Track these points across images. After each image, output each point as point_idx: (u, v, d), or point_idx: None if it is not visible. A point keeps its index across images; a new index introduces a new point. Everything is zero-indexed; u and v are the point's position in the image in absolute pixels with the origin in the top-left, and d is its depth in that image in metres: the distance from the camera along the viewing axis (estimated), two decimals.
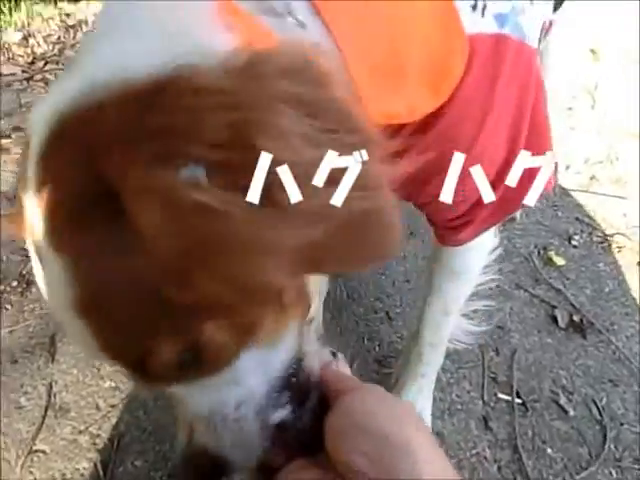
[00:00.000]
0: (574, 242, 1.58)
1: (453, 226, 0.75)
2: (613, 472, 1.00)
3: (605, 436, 1.06)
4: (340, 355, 0.46)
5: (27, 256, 1.28)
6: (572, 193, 1.82)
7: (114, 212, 0.31)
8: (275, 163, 0.31)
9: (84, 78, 0.35)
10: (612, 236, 1.60)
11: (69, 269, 0.34)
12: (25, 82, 2.59)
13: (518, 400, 1.12)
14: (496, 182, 0.66)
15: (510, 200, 0.69)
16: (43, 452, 1.05)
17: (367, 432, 0.35)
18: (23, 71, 2.72)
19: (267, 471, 0.41)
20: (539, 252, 1.55)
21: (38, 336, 1.28)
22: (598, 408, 1.11)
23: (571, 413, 1.10)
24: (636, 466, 1.01)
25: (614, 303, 1.38)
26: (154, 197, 0.30)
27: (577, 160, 1.99)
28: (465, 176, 0.64)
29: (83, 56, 0.41)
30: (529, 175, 0.70)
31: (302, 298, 0.45)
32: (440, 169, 0.64)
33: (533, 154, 0.69)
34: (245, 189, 0.31)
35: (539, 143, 0.69)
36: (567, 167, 1.96)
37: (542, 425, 1.08)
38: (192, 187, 0.30)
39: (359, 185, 0.35)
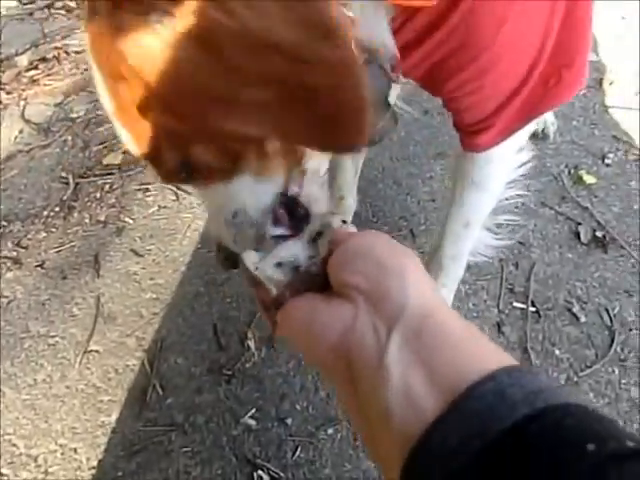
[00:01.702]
0: (607, 161, 1.66)
1: (475, 130, 0.82)
2: (616, 370, 1.15)
3: (613, 340, 1.20)
4: (351, 225, 0.52)
5: (66, 183, 1.49)
6: (612, 110, 1.86)
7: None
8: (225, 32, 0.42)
9: None
10: None
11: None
12: (46, 10, 2.73)
13: (532, 308, 1.27)
14: (521, 84, 0.75)
15: (534, 104, 0.78)
16: (97, 352, 1.28)
17: (365, 257, 0.41)
18: None
19: (278, 304, 0.47)
20: (569, 171, 1.64)
21: (83, 255, 1.49)
22: (610, 316, 1.25)
23: (582, 319, 1.24)
24: (639, 365, 1.16)
25: None
26: (131, 34, 0.44)
27: (623, 75, 2.01)
28: (485, 73, 0.73)
29: None
30: (556, 79, 0.79)
31: (291, 151, 0.58)
32: (458, 66, 0.74)
33: (565, 57, 0.76)
34: (210, 54, 0.43)
35: (574, 45, 0.74)
36: (611, 83, 1.99)
37: (553, 330, 1.23)
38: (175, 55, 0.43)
39: (318, 59, 0.43)
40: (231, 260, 0.61)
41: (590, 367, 1.16)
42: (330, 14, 0.43)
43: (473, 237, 1.07)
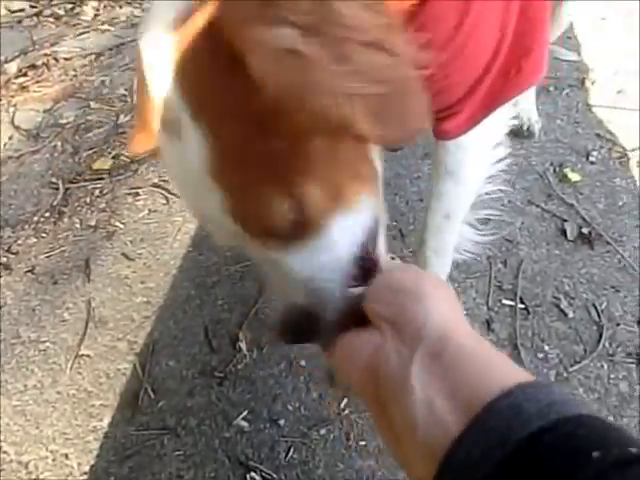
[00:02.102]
0: (592, 158, 1.66)
1: (442, 117, 0.83)
2: (605, 365, 1.14)
3: (601, 335, 1.19)
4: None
5: (56, 189, 1.46)
6: (595, 109, 1.86)
7: (235, 67, 0.45)
8: (348, 25, 0.46)
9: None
10: (632, 151, 1.67)
11: (206, 134, 0.49)
12: (35, 18, 2.70)
13: (521, 305, 1.26)
14: (484, 73, 0.78)
15: (497, 93, 0.81)
16: (88, 356, 1.25)
17: (391, 289, 0.46)
18: (32, 6, 2.82)
19: (326, 347, 0.53)
20: (555, 169, 1.63)
21: (74, 259, 1.47)
22: (597, 311, 1.24)
23: (570, 315, 1.23)
24: (628, 360, 1.15)
25: (626, 216, 1.47)
26: (264, 48, 0.44)
27: (605, 74, 2.01)
28: (450, 62, 0.75)
29: None
30: (516, 69, 0.81)
31: (373, 176, 0.60)
32: None
33: (523, 47, 0.80)
34: (325, 44, 0.45)
35: (531, 36, 0.78)
36: (593, 82, 1.99)
37: (542, 326, 1.22)
38: (290, 40, 0.44)
39: (392, 55, 0.49)
40: (297, 334, 0.59)
41: (579, 362, 1.15)
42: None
43: (455, 230, 1.07)
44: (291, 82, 0.45)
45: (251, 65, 0.44)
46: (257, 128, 0.48)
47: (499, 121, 0.91)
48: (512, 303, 1.26)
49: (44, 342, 1.28)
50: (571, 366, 1.15)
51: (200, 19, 0.47)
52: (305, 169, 0.50)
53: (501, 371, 0.38)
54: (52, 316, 1.34)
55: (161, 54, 0.51)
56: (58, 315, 1.34)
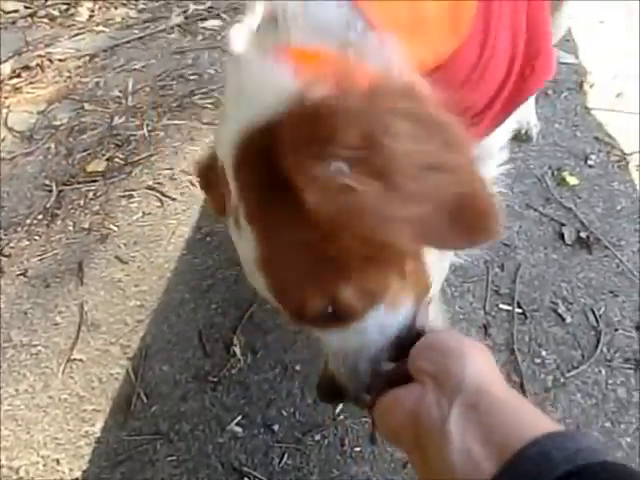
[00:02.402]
0: (590, 162, 1.66)
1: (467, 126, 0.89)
2: (603, 370, 1.14)
3: (599, 340, 1.19)
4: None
5: (50, 191, 1.46)
6: (594, 112, 1.87)
7: (289, 196, 0.49)
8: (395, 155, 0.48)
9: (248, 114, 0.56)
10: (631, 154, 1.67)
11: (256, 236, 0.56)
12: (29, 19, 2.70)
13: (518, 310, 1.26)
14: (502, 84, 0.83)
15: (514, 96, 0.85)
16: (80, 360, 1.25)
17: (435, 348, 0.51)
18: (26, 7, 2.82)
19: (368, 404, 0.58)
20: (553, 173, 1.63)
21: (66, 263, 1.46)
22: (595, 316, 1.24)
23: (568, 320, 1.23)
24: (625, 365, 1.15)
25: (625, 220, 1.47)
26: (317, 183, 0.47)
27: (604, 77, 2.02)
28: (474, 86, 0.81)
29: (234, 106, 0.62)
30: (530, 70, 0.85)
31: (420, 273, 0.64)
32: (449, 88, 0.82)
33: (533, 49, 0.83)
34: (375, 175, 0.48)
35: (537, 36, 0.83)
36: (591, 85, 2.00)
37: (539, 331, 1.22)
38: (341, 175, 0.47)
39: (454, 172, 0.51)
40: (334, 395, 0.68)
41: (577, 368, 1.15)
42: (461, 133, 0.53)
43: None
44: (341, 213, 0.48)
45: (306, 199, 0.48)
46: (303, 242, 0.54)
47: (507, 124, 0.94)
48: (509, 308, 1.27)
49: (36, 346, 1.28)
50: (568, 371, 1.15)
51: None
52: (342, 269, 0.55)
53: (532, 420, 0.42)
54: (44, 320, 1.33)
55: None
56: (50, 319, 1.34)
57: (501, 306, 1.28)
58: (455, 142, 0.52)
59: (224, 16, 2.64)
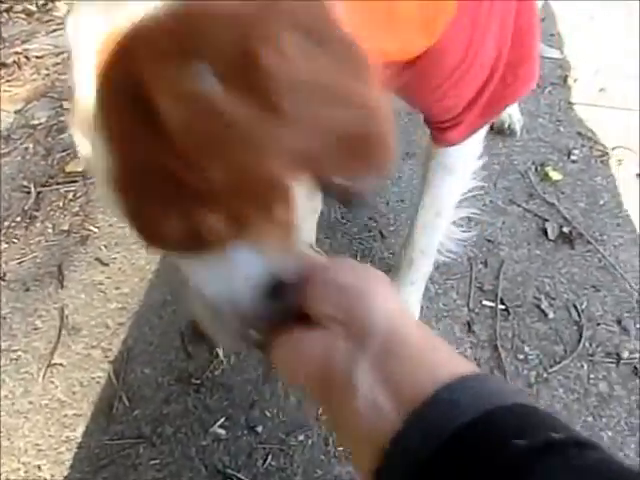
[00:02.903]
0: (573, 157, 1.69)
1: (445, 127, 0.90)
2: (585, 365, 1.17)
3: (581, 335, 1.22)
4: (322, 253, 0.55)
5: (28, 192, 1.45)
6: (577, 107, 1.90)
7: (146, 109, 0.41)
8: (277, 75, 0.41)
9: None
10: (613, 149, 1.70)
11: (109, 147, 0.46)
12: (5, 14, 2.67)
13: (501, 306, 1.28)
14: (484, 85, 0.83)
15: (496, 101, 0.86)
16: (61, 365, 1.25)
17: (332, 287, 0.45)
18: (1, 2, 2.79)
19: (263, 347, 0.51)
20: (536, 168, 1.66)
21: (46, 265, 1.46)
22: (577, 311, 1.27)
23: (551, 315, 1.26)
24: (607, 360, 1.18)
25: (607, 215, 1.50)
26: (179, 99, 0.41)
27: (587, 72, 2.05)
28: (458, 84, 0.81)
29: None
30: (512, 77, 0.86)
31: (291, 210, 0.53)
32: (427, 86, 0.83)
33: (518, 56, 0.84)
34: (251, 94, 0.41)
35: (524, 45, 0.83)
36: (575, 80, 2.02)
37: (522, 327, 1.24)
38: (208, 92, 0.40)
39: (358, 105, 0.46)
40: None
41: (559, 363, 1.17)
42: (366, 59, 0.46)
43: (443, 229, 1.12)
44: (203, 134, 0.42)
45: (159, 107, 0.40)
46: (163, 166, 0.44)
47: (482, 132, 0.97)
48: (493, 304, 1.29)
49: (16, 351, 1.28)
50: (551, 367, 1.17)
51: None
52: (204, 198, 0.46)
53: (444, 364, 0.40)
54: (24, 324, 1.33)
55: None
56: (30, 323, 1.33)
57: (485, 303, 1.30)
58: (361, 70, 0.46)
59: None
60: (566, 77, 2.04)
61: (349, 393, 0.40)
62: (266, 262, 0.54)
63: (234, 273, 0.54)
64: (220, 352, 1.22)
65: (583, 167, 1.66)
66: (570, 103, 1.92)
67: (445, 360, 0.41)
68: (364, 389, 0.39)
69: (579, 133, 1.78)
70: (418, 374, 0.39)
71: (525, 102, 1.91)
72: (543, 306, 1.28)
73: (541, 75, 2.03)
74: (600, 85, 1.97)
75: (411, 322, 0.43)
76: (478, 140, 1.00)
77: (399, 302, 0.45)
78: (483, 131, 0.99)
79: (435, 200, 1.06)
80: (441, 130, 0.92)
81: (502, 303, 1.29)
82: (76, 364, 1.24)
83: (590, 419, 1.09)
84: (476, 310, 1.28)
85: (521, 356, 1.19)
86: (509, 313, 1.27)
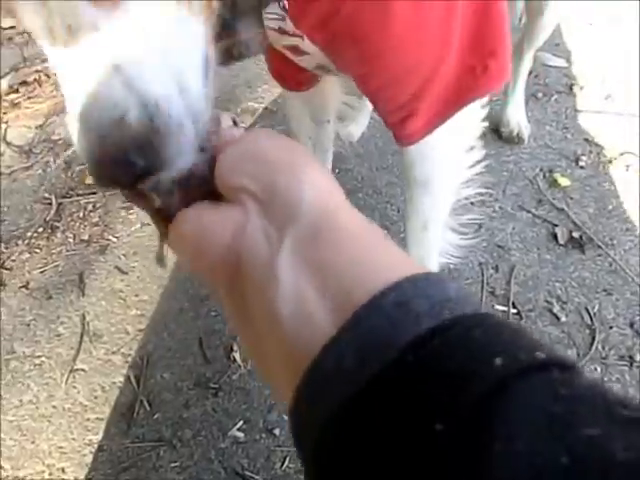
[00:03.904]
0: (581, 163, 1.68)
1: (397, 120, 0.83)
2: (598, 368, 1.16)
3: (594, 338, 1.21)
4: (241, 125, 0.43)
5: (49, 204, 1.47)
6: (584, 114, 1.90)
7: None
8: None
9: None
10: (621, 155, 1.70)
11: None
12: (26, 35, 2.73)
13: (513, 310, 1.28)
14: (432, 73, 0.77)
15: (460, 92, 0.80)
16: (83, 370, 1.26)
17: (252, 157, 0.36)
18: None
19: (166, 216, 0.38)
20: (544, 175, 1.66)
21: (67, 274, 1.48)
22: (590, 314, 1.26)
23: (563, 319, 1.25)
24: (620, 362, 1.17)
25: (616, 220, 1.50)
26: None
27: (593, 79, 2.05)
28: (376, 58, 0.74)
29: None
30: (482, 68, 0.80)
31: None
32: (349, 43, 0.73)
33: (487, 47, 0.78)
34: None
35: (492, 36, 0.78)
36: (581, 88, 2.03)
37: (535, 331, 1.24)
38: None
39: None
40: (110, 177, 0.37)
41: None
42: None
43: (436, 239, 1.06)
44: None
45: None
46: None
47: (467, 125, 0.89)
48: (505, 308, 1.28)
49: (39, 357, 1.30)
50: None
51: None
52: None
53: (388, 261, 0.31)
54: (47, 331, 1.35)
55: None
56: (53, 330, 1.35)
57: (497, 307, 1.29)
58: None
59: None
60: (572, 85, 2.05)
61: (267, 286, 0.30)
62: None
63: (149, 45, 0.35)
64: (237, 357, 1.23)
65: (591, 173, 1.66)
66: (577, 110, 1.93)
67: (391, 258, 0.31)
68: (287, 282, 0.30)
69: (586, 140, 1.78)
70: (356, 268, 0.29)
71: (532, 110, 1.91)
72: (555, 310, 1.27)
73: (547, 83, 2.06)
74: (606, 92, 1.97)
75: (347, 206, 0.34)
76: (454, 152, 0.92)
77: (332, 182, 0.35)
78: (461, 143, 0.91)
79: (419, 215, 0.99)
80: (396, 124, 0.84)
81: (514, 307, 1.29)
82: (97, 369, 1.26)
83: None
84: None
85: None
86: (521, 317, 1.27)
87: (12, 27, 2.82)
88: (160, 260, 0.46)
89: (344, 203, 0.34)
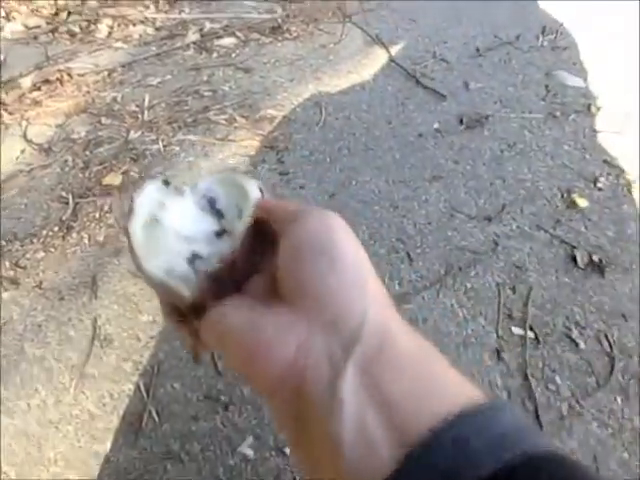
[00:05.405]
0: (599, 184, 1.61)
1: None
2: (618, 398, 1.08)
3: (613, 367, 1.13)
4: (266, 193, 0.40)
5: (66, 203, 1.41)
6: (602, 135, 1.82)
7: None
8: None
9: None
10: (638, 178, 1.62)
11: None
12: (50, 34, 2.67)
13: (531, 334, 1.20)
14: None
15: None
16: (92, 376, 1.19)
17: (322, 252, 0.32)
18: (48, 23, 2.79)
19: (197, 310, 0.36)
20: (562, 195, 1.58)
21: (81, 276, 1.41)
22: (609, 341, 1.18)
23: (582, 346, 1.17)
24: None
25: (634, 244, 1.42)
26: None
27: (610, 100, 1.97)
28: None
29: None
30: None
31: None
32: None
33: None
34: None
35: None
36: (599, 108, 1.95)
37: (552, 356, 1.16)
38: None
39: None
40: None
41: (592, 395, 1.09)
42: None
43: None
44: None
45: None
46: None
47: None
48: (522, 332, 1.21)
49: (49, 360, 1.23)
50: (583, 399, 1.09)
51: None
52: None
53: (446, 386, 0.29)
54: (58, 333, 1.28)
55: None
56: (64, 332, 1.28)
57: (514, 330, 1.22)
58: None
59: (239, 34, 2.61)
60: (590, 105, 1.97)
61: (330, 411, 0.28)
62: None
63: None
64: None
65: (609, 195, 1.58)
66: (595, 131, 1.85)
67: (448, 382, 0.30)
68: (350, 408, 0.28)
69: (605, 161, 1.71)
70: (416, 398, 0.28)
71: (550, 129, 1.84)
72: (574, 335, 1.20)
73: (565, 103, 1.98)
74: (624, 113, 1.89)
75: (404, 325, 0.32)
76: None
77: (386, 294, 0.33)
78: None
79: None
80: None
81: (532, 330, 1.21)
82: (107, 376, 1.19)
83: (625, 455, 1.01)
84: (505, 337, 1.21)
85: (552, 386, 1.11)
86: (539, 341, 1.19)
87: (37, 27, 2.77)
88: (197, 359, 0.43)
89: (400, 319, 0.32)
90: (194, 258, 0.39)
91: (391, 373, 0.29)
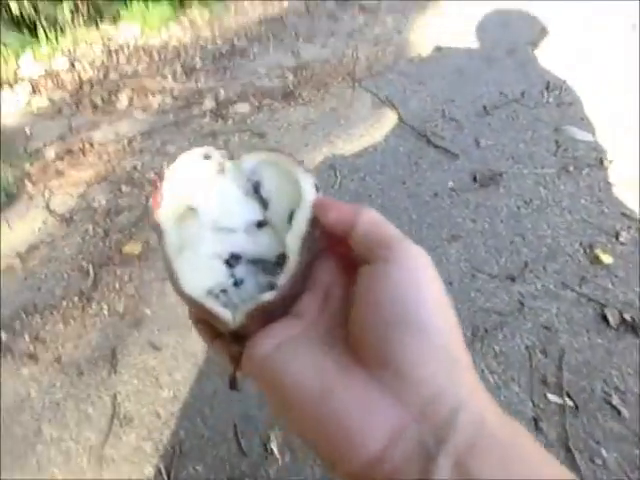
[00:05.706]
0: (621, 239, 1.56)
1: None
2: None
3: None
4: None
5: (87, 273, 1.38)
6: (617, 187, 1.79)
7: None
8: None
9: None
10: None
11: None
12: (74, 107, 2.75)
13: (569, 401, 1.13)
14: None
15: None
16: (111, 458, 1.13)
17: (417, 318, 0.28)
18: (71, 96, 2.88)
19: (240, 338, 0.33)
20: (585, 250, 1.53)
21: (100, 349, 1.37)
22: None
23: (625, 413, 1.09)
24: None
25: None
26: None
27: (623, 152, 1.95)
28: None
29: None
30: None
31: None
32: None
33: None
34: None
35: None
36: (611, 161, 1.93)
37: (594, 425, 1.08)
38: None
39: None
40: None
41: None
42: None
43: None
44: None
45: None
46: None
47: None
48: (559, 400, 1.13)
49: (66, 441, 1.17)
50: (632, 472, 1.00)
51: None
52: None
53: (537, 472, 0.26)
54: (76, 412, 1.22)
55: None
56: (82, 410, 1.23)
57: (550, 397, 1.14)
58: None
59: (253, 100, 2.67)
60: (602, 159, 1.95)
61: None
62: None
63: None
64: (275, 448, 1.09)
65: (632, 249, 1.53)
66: (609, 183, 1.82)
67: (541, 472, 0.26)
68: None
69: (623, 214, 1.66)
70: None
71: (564, 183, 1.81)
72: (614, 402, 1.12)
73: (577, 157, 1.96)
74: (637, 165, 1.86)
75: (496, 409, 0.28)
76: None
77: (472, 365, 0.29)
78: None
79: None
80: None
81: (569, 397, 1.13)
82: (127, 457, 1.12)
83: None
84: (541, 405, 1.13)
85: (598, 460, 1.02)
86: (578, 409, 1.11)
87: (62, 100, 2.86)
88: (234, 385, 0.38)
89: (496, 408, 0.28)
90: (233, 260, 0.36)
91: (489, 467, 0.25)
